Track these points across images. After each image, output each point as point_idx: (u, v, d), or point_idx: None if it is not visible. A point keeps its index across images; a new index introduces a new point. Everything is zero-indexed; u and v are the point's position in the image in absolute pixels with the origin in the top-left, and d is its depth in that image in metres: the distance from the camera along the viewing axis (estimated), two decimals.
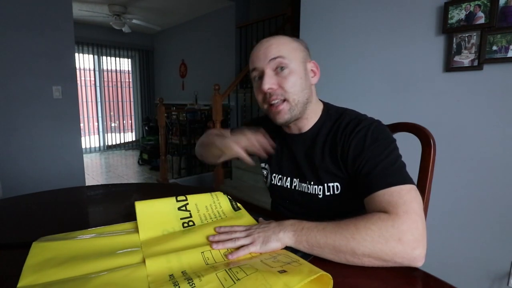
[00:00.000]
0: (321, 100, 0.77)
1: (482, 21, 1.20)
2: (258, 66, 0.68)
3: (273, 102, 0.68)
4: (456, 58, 1.27)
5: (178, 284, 0.41)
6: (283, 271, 0.42)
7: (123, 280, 0.43)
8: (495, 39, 1.18)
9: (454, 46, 1.27)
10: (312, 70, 0.72)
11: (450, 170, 1.33)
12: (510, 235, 1.21)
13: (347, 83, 1.67)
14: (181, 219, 0.63)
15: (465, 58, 1.25)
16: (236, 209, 0.69)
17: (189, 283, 0.41)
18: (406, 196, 0.52)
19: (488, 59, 1.19)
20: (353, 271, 0.48)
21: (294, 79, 0.67)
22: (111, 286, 0.41)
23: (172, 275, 0.44)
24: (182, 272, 0.45)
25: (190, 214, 0.64)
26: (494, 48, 1.18)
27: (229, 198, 0.71)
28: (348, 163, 0.64)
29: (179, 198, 0.67)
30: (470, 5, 1.22)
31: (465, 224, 1.31)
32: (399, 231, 0.48)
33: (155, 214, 0.62)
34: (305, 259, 0.48)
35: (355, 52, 1.62)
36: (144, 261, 0.47)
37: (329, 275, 0.42)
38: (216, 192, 0.72)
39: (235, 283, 0.40)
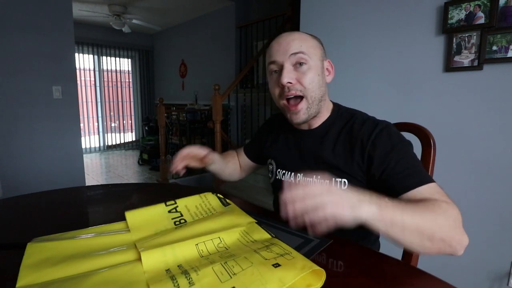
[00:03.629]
0: (330, 100, 0.79)
1: (482, 21, 1.20)
2: (278, 59, 0.68)
3: (290, 96, 0.68)
4: (456, 58, 1.27)
5: (175, 278, 0.42)
6: (277, 265, 0.43)
7: (121, 278, 0.43)
8: (495, 39, 1.17)
9: (454, 46, 1.27)
10: (327, 68, 0.74)
11: (450, 170, 1.33)
12: (510, 235, 1.21)
13: (347, 83, 1.67)
14: (173, 219, 0.64)
15: (465, 58, 1.25)
16: (225, 204, 0.70)
17: (186, 277, 0.41)
18: (444, 191, 0.56)
19: (488, 59, 1.19)
20: (352, 271, 0.48)
21: (312, 76, 0.68)
22: (110, 284, 0.41)
23: (168, 269, 0.45)
24: (178, 266, 0.46)
25: (181, 214, 0.66)
26: (494, 48, 1.18)
27: (217, 196, 0.73)
28: (373, 162, 0.64)
29: (168, 202, 0.69)
30: (470, 5, 1.22)
31: (465, 224, 1.31)
32: (460, 220, 0.51)
33: (146, 219, 0.63)
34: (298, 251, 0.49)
35: (355, 52, 1.62)
36: (140, 258, 0.47)
37: (322, 270, 0.42)
38: (205, 193, 0.74)
39: (231, 277, 0.41)
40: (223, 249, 0.51)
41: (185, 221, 0.63)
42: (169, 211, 0.66)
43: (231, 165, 0.95)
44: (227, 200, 0.72)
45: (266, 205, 0.89)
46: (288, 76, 0.66)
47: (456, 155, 1.33)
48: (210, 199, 0.72)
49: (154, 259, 0.47)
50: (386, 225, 0.46)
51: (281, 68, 0.68)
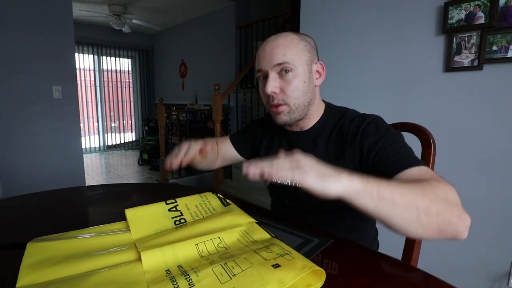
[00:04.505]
0: (323, 100, 0.78)
1: (482, 21, 1.20)
2: (263, 68, 0.69)
3: (273, 105, 0.70)
4: (456, 58, 1.27)
5: (175, 279, 0.42)
6: (277, 266, 0.43)
7: (121, 278, 0.43)
8: (495, 39, 1.17)
9: (454, 46, 1.27)
10: (317, 71, 0.73)
11: (450, 170, 1.33)
12: (510, 235, 1.21)
13: (347, 83, 1.67)
14: (173, 218, 0.64)
15: (465, 58, 1.25)
16: (225, 204, 0.70)
17: (186, 278, 0.41)
18: (438, 175, 0.54)
19: (488, 59, 1.19)
20: (352, 271, 0.48)
21: (297, 83, 0.68)
22: (110, 284, 0.41)
23: (168, 270, 0.45)
24: (178, 266, 0.46)
25: (181, 213, 0.66)
26: (494, 48, 1.18)
27: (218, 196, 0.73)
28: (363, 152, 0.65)
29: (169, 201, 0.69)
30: (470, 5, 1.22)
31: None
32: (458, 200, 0.47)
33: (146, 217, 0.63)
34: (298, 251, 0.49)
35: (355, 52, 1.62)
36: (140, 258, 0.47)
37: (322, 270, 0.42)
38: (205, 193, 0.74)
39: (231, 278, 0.41)
40: (223, 249, 0.51)
41: (185, 220, 0.64)
42: (169, 210, 0.67)
43: (210, 156, 0.86)
44: (227, 200, 0.72)
45: (266, 205, 0.89)
46: (272, 85, 0.67)
47: (456, 155, 1.33)
48: (210, 199, 0.72)
49: (154, 259, 0.47)
50: (373, 199, 0.42)
51: (266, 75, 0.69)
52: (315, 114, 0.75)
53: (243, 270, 0.42)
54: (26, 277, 0.44)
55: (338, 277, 0.46)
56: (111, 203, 0.86)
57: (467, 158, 1.30)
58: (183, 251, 0.49)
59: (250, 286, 0.39)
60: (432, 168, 0.76)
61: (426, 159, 0.76)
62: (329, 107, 0.77)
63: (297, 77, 0.68)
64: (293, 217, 0.71)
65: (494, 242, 1.25)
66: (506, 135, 1.19)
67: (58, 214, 0.76)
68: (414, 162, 0.57)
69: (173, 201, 0.69)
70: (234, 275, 0.42)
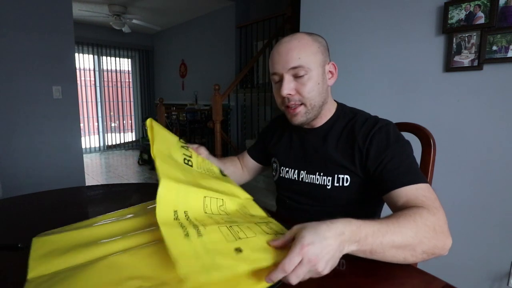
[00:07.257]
0: (335, 100, 0.80)
1: (482, 21, 1.20)
2: (278, 72, 0.70)
3: (290, 106, 0.71)
4: (456, 58, 1.27)
5: (184, 225, 0.43)
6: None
7: (127, 261, 0.44)
8: (495, 39, 1.17)
9: (454, 46, 1.27)
10: (330, 71, 0.74)
11: (450, 170, 1.33)
12: (510, 235, 1.21)
13: (347, 83, 1.67)
14: (183, 154, 0.65)
15: (465, 58, 1.25)
16: (223, 175, 0.72)
17: (194, 227, 0.43)
18: (433, 193, 0.58)
19: (488, 59, 1.19)
20: (352, 271, 0.48)
21: (312, 85, 0.69)
22: (115, 268, 0.42)
23: (176, 211, 0.46)
24: (184, 212, 0.47)
25: (191, 154, 0.67)
26: (494, 48, 1.18)
27: (219, 168, 0.74)
28: (369, 157, 0.66)
29: (182, 140, 0.71)
30: (470, 5, 1.22)
31: (465, 224, 1.31)
32: (443, 225, 0.52)
33: (165, 135, 0.64)
34: None
35: (355, 52, 1.62)
36: (147, 246, 0.47)
37: None
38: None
39: (236, 240, 0.43)
40: (224, 213, 0.52)
41: (192, 164, 0.64)
42: (182, 147, 0.67)
43: (230, 167, 0.94)
44: (225, 173, 0.73)
45: (267, 205, 0.89)
46: (288, 88, 0.68)
47: (456, 155, 1.33)
48: (211, 164, 0.73)
49: (168, 191, 0.47)
50: (366, 255, 0.48)
51: (281, 78, 0.70)
52: (327, 113, 0.76)
53: (247, 237, 0.44)
54: (36, 268, 0.44)
55: (338, 276, 0.46)
56: (111, 203, 0.86)
57: (467, 158, 1.30)
58: (193, 199, 0.50)
59: (254, 248, 0.41)
60: (432, 168, 0.76)
61: (426, 159, 0.76)
62: (341, 106, 0.79)
63: (312, 79, 0.69)
64: (294, 216, 0.72)
65: (494, 242, 1.25)
66: (506, 135, 1.19)
67: (58, 214, 0.76)
68: (414, 179, 0.59)
69: (185, 143, 0.71)
70: (240, 238, 0.43)
